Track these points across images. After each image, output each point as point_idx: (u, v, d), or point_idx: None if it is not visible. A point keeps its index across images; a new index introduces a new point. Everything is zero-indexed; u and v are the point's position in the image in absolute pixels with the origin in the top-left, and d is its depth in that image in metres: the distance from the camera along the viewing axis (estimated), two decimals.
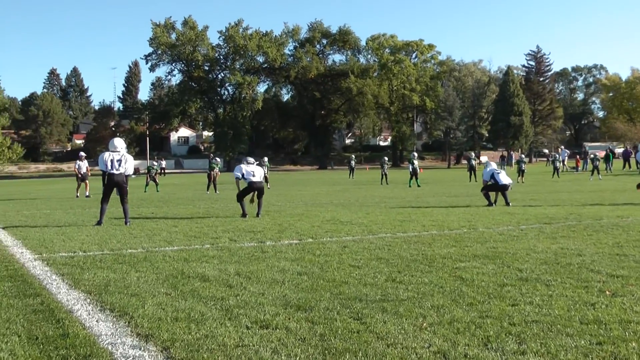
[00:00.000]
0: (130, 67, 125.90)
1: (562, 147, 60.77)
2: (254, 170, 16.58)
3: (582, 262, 8.61)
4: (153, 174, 34.61)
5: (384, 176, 37.89)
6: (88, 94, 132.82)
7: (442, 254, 9.39)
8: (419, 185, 32.63)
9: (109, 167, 14.40)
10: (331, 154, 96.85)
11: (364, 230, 12.79)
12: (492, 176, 18.75)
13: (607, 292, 6.72)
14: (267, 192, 21.43)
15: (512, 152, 77.96)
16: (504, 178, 18.72)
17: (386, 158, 41.28)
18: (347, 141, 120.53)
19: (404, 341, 5.11)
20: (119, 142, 14.99)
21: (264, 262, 8.99)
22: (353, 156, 53.38)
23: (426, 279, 7.54)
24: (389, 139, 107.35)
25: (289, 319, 5.83)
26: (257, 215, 16.15)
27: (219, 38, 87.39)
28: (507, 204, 18.42)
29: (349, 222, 14.40)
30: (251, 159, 17.63)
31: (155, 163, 38.36)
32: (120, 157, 14.56)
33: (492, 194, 18.81)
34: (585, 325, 5.50)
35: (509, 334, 5.25)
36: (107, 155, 14.55)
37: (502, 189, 18.69)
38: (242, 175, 16.48)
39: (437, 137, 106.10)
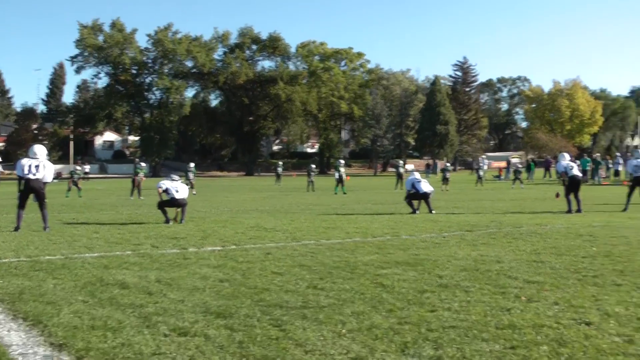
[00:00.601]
0: (55, 68, 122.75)
1: (483, 156, 62.01)
2: (177, 187, 16.39)
3: (501, 268, 8.79)
4: (76, 179, 33.87)
5: (310, 183, 38.00)
6: (9, 95, 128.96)
7: (365, 261, 9.46)
8: (344, 193, 32.83)
9: (26, 172, 14.01)
10: (258, 161, 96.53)
11: (288, 237, 12.78)
12: (413, 185, 19.06)
13: (523, 298, 6.89)
14: (192, 198, 21.24)
15: (437, 161, 79.17)
16: (425, 186, 19.03)
17: (313, 165, 41.44)
18: (275, 148, 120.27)
19: (322, 348, 5.12)
20: (39, 149, 14.58)
21: (185, 268, 8.89)
22: (280, 163, 53.35)
23: (347, 286, 7.58)
24: (317, 146, 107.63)
25: (208, 326, 5.78)
26: (181, 221, 15.98)
27: (147, 41, 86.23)
28: (430, 211, 18.73)
29: (273, 229, 14.38)
30: (176, 176, 17.35)
31: (78, 168, 37.43)
32: (38, 163, 14.19)
33: (415, 202, 19.08)
34: (501, 330, 5.62)
35: (427, 340, 5.32)
36: (25, 161, 14.17)
37: (424, 197, 18.99)
38: (166, 190, 16.28)
39: (365, 144, 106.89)
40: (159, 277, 8.23)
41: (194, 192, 32.46)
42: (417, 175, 19.92)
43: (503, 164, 54.07)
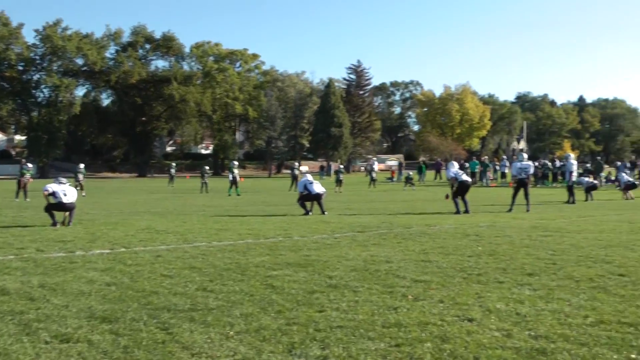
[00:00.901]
0: None
1: (374, 158, 62.95)
2: (65, 190, 15.94)
3: (390, 268, 8.95)
4: None
5: (204, 185, 37.68)
6: None
7: (256, 263, 9.44)
8: (238, 194, 32.69)
9: None
10: (151, 162, 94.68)
11: (179, 239, 12.61)
12: (306, 187, 19.20)
13: (410, 297, 7.04)
14: (81, 200, 20.62)
15: (331, 163, 79.80)
16: (318, 188, 19.19)
17: (207, 167, 41.07)
18: (169, 149, 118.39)
19: (209, 350, 5.09)
20: None
21: (71, 272, 8.64)
22: (173, 164, 52.56)
23: (237, 288, 7.55)
24: (211, 147, 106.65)
25: (93, 331, 5.65)
26: (68, 224, 15.52)
27: (35, 37, 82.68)
28: (323, 212, 18.88)
29: (165, 231, 14.15)
30: (64, 179, 16.86)
31: None
32: None
33: (308, 204, 19.21)
34: (387, 328, 5.73)
35: (314, 340, 5.36)
36: None
37: (316, 198, 19.14)
38: (53, 193, 15.79)
39: (259, 146, 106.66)
40: (42, 282, 7.97)
41: (84, 194, 31.57)
42: (309, 177, 20.07)
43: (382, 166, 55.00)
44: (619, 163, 49.73)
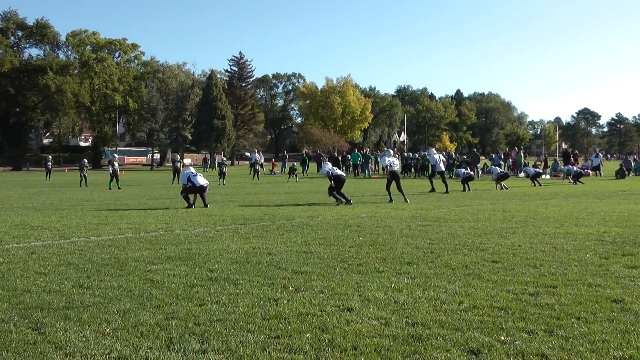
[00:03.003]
0: None
1: (256, 150, 62.95)
2: None
3: (271, 260, 8.97)
4: None
5: (83, 178, 36.60)
6: None
7: (135, 257, 9.26)
8: (119, 188, 31.93)
9: None
10: (27, 155, 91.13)
11: (56, 235, 12.21)
12: (189, 179, 18.97)
13: (291, 288, 7.08)
14: None
15: (215, 155, 79.16)
16: (201, 180, 19.00)
17: (86, 160, 39.90)
18: (45, 141, 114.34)
19: (84, 349, 4.95)
20: None
21: None
22: (50, 157, 50.76)
23: (115, 283, 7.39)
24: (90, 140, 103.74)
25: None
26: None
27: None
28: (206, 205, 18.72)
29: (40, 227, 13.68)
30: None
31: None
32: None
33: (191, 196, 19.00)
34: (267, 320, 5.75)
35: (193, 334, 5.31)
36: None
37: (200, 190, 18.95)
38: None
39: (141, 138, 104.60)
40: None
41: None
42: (192, 169, 19.85)
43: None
44: (493, 155, 51.75)
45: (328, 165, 20.80)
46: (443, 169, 27.22)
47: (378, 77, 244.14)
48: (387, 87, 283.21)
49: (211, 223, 14.26)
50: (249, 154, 72.71)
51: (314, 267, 8.43)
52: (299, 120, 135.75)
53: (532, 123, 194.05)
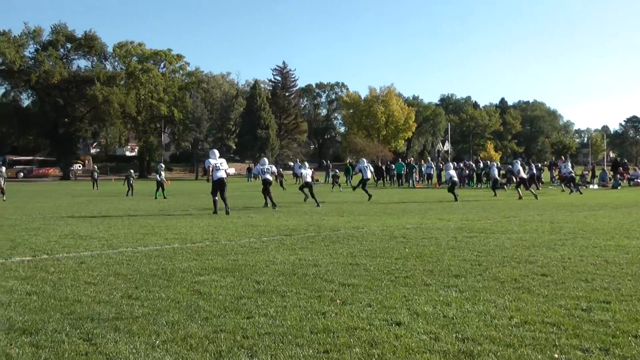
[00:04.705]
0: None
1: (298, 160, 63.12)
2: None
3: (318, 272, 8.93)
4: None
5: (129, 187, 37.05)
6: None
7: (182, 268, 9.31)
8: (165, 197, 32.23)
9: None
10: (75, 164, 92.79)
11: (104, 245, 12.34)
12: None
13: (338, 301, 7.03)
14: (1, 205, 19.96)
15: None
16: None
17: (132, 170, 40.42)
18: (93, 151, 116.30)
19: None
20: None
21: None
22: (96, 167, 51.58)
23: (163, 294, 7.42)
24: (136, 150, 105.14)
25: (12, 344, 5.45)
26: None
27: None
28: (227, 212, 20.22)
29: (89, 237, 13.84)
30: None
31: None
32: None
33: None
34: (315, 334, 5.71)
35: (242, 348, 5.30)
36: None
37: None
38: None
39: (185, 148, 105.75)
40: None
41: (4, 199, 30.67)
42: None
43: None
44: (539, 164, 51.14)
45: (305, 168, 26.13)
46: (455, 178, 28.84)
47: (421, 86, 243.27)
48: (430, 96, 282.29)
49: (257, 234, 14.28)
50: (292, 164, 72.94)
51: (360, 279, 8.37)
52: (342, 129, 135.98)
53: (578, 131, 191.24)
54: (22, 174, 76.08)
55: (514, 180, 32.17)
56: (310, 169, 28.72)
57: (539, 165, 49.57)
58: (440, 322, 6.14)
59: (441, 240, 12.63)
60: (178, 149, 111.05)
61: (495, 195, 29.93)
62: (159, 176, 33.38)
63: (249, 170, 72.52)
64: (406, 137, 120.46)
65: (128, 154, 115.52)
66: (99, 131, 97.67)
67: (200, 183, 61.27)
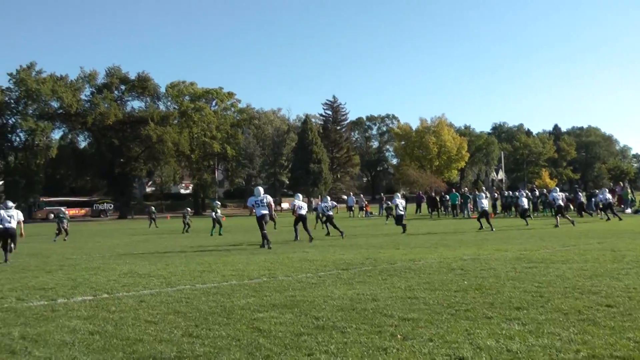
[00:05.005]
0: None
1: (351, 193, 63.13)
2: (12, 214, 17.09)
3: (377, 306, 8.86)
4: None
5: (186, 225, 37.47)
6: None
7: (241, 305, 9.32)
8: (220, 234, 32.47)
9: None
10: (131, 203, 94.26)
11: (163, 283, 12.45)
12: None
13: (399, 336, 6.95)
14: (62, 245, 20.29)
15: (312, 199, 79.78)
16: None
17: (188, 209, 41.03)
18: (148, 189, 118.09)
19: None
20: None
21: (53, 322, 8.48)
22: (152, 207, 52.43)
23: (223, 332, 7.44)
24: (191, 187, 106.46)
25: None
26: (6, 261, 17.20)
27: (8, 81, 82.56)
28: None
29: (147, 275, 13.98)
30: (10, 203, 17.52)
31: None
32: None
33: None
34: None
35: None
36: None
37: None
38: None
39: (239, 184, 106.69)
40: (23, 333, 7.81)
41: (65, 239, 31.31)
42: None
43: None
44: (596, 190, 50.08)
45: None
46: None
47: (473, 115, 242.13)
48: (482, 125, 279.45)
49: (313, 269, 14.26)
50: (345, 197, 72.92)
51: (420, 313, 8.28)
52: (394, 161, 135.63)
53: (636, 156, 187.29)
54: (52, 215, 77.61)
55: (554, 208, 32.27)
56: (332, 202, 29.95)
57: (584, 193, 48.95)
58: (505, 356, 6.02)
59: (500, 271, 12.44)
60: (232, 186, 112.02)
61: (527, 224, 29.73)
62: (215, 214, 33.72)
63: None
64: (459, 167, 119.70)
65: (182, 191, 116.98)
66: (154, 170, 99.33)
67: (254, 219, 61.76)
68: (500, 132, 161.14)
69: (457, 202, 47.86)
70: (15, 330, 8.00)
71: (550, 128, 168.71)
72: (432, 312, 8.33)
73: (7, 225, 17.48)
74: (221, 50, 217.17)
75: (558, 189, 32.27)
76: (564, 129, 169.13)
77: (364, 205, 56.69)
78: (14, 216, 17.77)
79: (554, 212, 32.19)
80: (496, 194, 49.82)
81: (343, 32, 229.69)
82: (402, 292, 10.09)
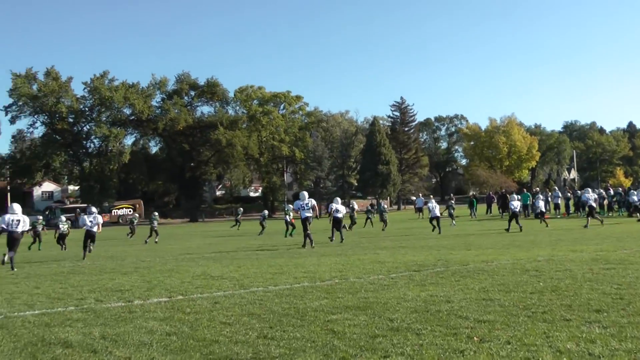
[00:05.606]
0: None
1: (420, 194, 62.84)
2: (19, 219, 17.72)
3: (451, 308, 8.76)
4: (39, 230, 33.48)
5: (237, 223, 38.20)
6: None
7: (314, 307, 9.34)
8: (291, 235, 32.65)
9: None
10: (202, 206, 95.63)
11: (236, 285, 12.57)
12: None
13: (475, 338, 6.85)
14: (138, 248, 20.66)
15: (381, 201, 79.55)
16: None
17: (266, 211, 41.79)
18: (218, 193, 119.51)
19: None
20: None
21: (131, 323, 8.65)
22: (240, 209, 53.68)
23: (298, 334, 7.46)
24: (260, 190, 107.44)
25: None
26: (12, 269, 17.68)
27: (83, 89, 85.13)
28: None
29: (220, 277, 14.15)
30: (17, 207, 18.07)
31: (39, 217, 37.20)
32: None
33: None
34: None
35: None
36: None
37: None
38: (5, 226, 17.52)
39: (307, 186, 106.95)
40: (103, 333, 7.99)
41: (156, 240, 32.67)
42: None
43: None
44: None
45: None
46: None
47: (543, 113, 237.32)
48: (553, 124, 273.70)
49: (384, 270, 14.20)
50: (414, 198, 72.49)
51: (496, 315, 8.15)
52: (463, 162, 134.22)
53: None
54: (70, 222, 78.42)
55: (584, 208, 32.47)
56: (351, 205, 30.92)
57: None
58: None
59: (576, 272, 12.16)
60: (301, 188, 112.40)
61: (547, 226, 30.02)
62: (288, 217, 33.99)
63: (372, 205, 72.42)
64: (530, 167, 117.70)
65: (252, 194, 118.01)
66: (224, 173, 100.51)
67: (322, 221, 61.81)
68: (571, 130, 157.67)
69: (528, 202, 47.05)
70: (95, 330, 8.19)
71: (624, 125, 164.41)
72: (508, 314, 8.19)
73: (13, 229, 17.92)
74: (289, 55, 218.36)
75: (589, 191, 32.54)
76: (639, 126, 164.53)
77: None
78: (21, 221, 18.10)
79: (585, 213, 31.70)
80: (569, 194, 48.73)
81: (410, 33, 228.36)
82: (476, 294, 9.95)
